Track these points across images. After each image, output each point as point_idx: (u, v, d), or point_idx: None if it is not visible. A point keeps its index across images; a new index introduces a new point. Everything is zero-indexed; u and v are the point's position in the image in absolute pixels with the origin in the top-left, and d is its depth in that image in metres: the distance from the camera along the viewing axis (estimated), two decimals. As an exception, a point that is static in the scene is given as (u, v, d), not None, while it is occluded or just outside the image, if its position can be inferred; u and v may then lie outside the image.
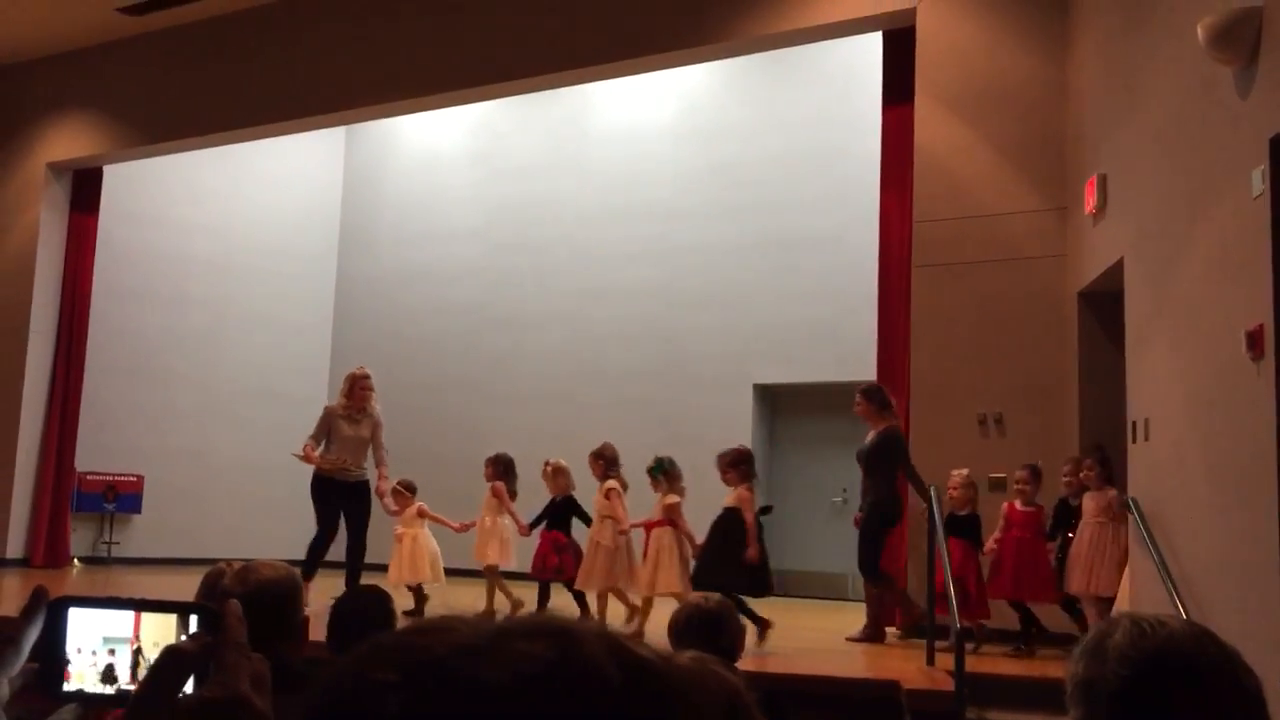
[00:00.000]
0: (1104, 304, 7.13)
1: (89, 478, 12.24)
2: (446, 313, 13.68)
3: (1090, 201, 6.98)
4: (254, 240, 13.99)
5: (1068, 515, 6.86)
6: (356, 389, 8.49)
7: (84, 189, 12.27)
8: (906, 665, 6.02)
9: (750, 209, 12.04)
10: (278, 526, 11.71)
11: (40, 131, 12.20)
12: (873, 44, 9.22)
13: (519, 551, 8.39)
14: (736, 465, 7.04)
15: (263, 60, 11.00)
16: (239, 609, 0.83)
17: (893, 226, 8.48)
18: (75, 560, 11.95)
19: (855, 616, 7.18)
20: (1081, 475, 6.75)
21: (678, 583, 6.89)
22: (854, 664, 6.19)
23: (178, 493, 12.74)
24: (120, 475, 12.44)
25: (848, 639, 7.17)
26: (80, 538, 12.26)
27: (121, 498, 12.44)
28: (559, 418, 12.66)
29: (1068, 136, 7.71)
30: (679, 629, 3.11)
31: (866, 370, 8.95)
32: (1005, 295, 7.71)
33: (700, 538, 7.09)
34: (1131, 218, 6.42)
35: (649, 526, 7.30)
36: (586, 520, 7.80)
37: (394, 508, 8.45)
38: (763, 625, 6.50)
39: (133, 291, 12.90)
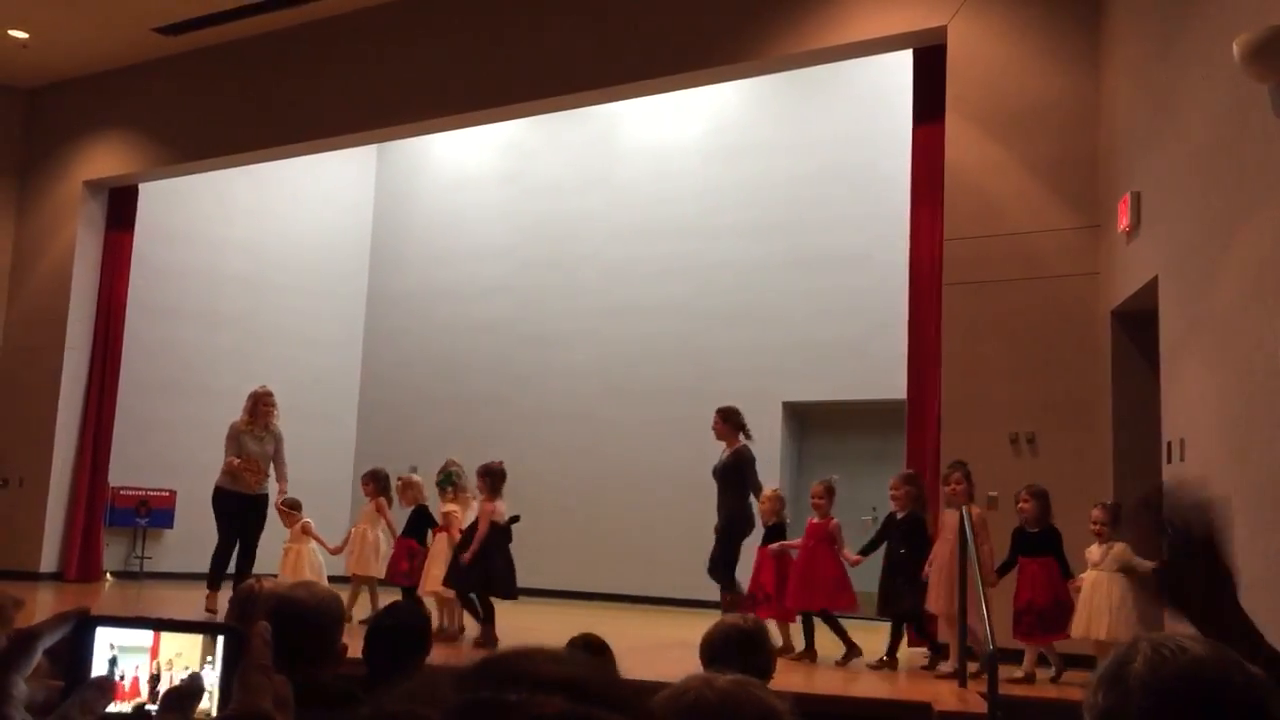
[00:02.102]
0: (1138, 323, 7.06)
1: (122, 493, 12.34)
2: (475, 330, 13.73)
3: (1123, 220, 6.93)
4: (286, 258, 14.11)
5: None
6: (260, 406, 9.09)
7: (120, 207, 12.41)
8: (939, 687, 5.96)
9: (779, 227, 12.04)
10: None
11: (77, 150, 12.36)
12: (901, 62, 9.21)
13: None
14: (482, 477, 7.84)
15: (295, 79, 11.11)
16: (267, 631, 0.83)
17: (923, 244, 8.45)
18: (108, 575, 12.04)
19: (886, 635, 7.13)
20: (948, 490, 6.83)
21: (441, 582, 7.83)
22: (886, 685, 6.14)
23: (210, 508, 12.79)
24: (153, 490, 12.54)
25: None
26: (113, 552, 12.36)
27: (154, 513, 12.53)
28: (586, 435, 12.68)
29: (1100, 154, 7.66)
30: (713, 648, 3.08)
31: (896, 388, 8.92)
32: (1037, 314, 7.65)
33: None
34: (1165, 236, 6.37)
35: (435, 532, 8.33)
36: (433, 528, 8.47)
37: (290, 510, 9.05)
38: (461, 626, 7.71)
39: (167, 308, 13.02)
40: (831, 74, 11.02)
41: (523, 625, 8.77)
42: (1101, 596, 6.20)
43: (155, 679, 0.87)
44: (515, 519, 7.93)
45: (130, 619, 0.88)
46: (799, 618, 7.34)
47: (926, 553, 6.94)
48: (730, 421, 8.16)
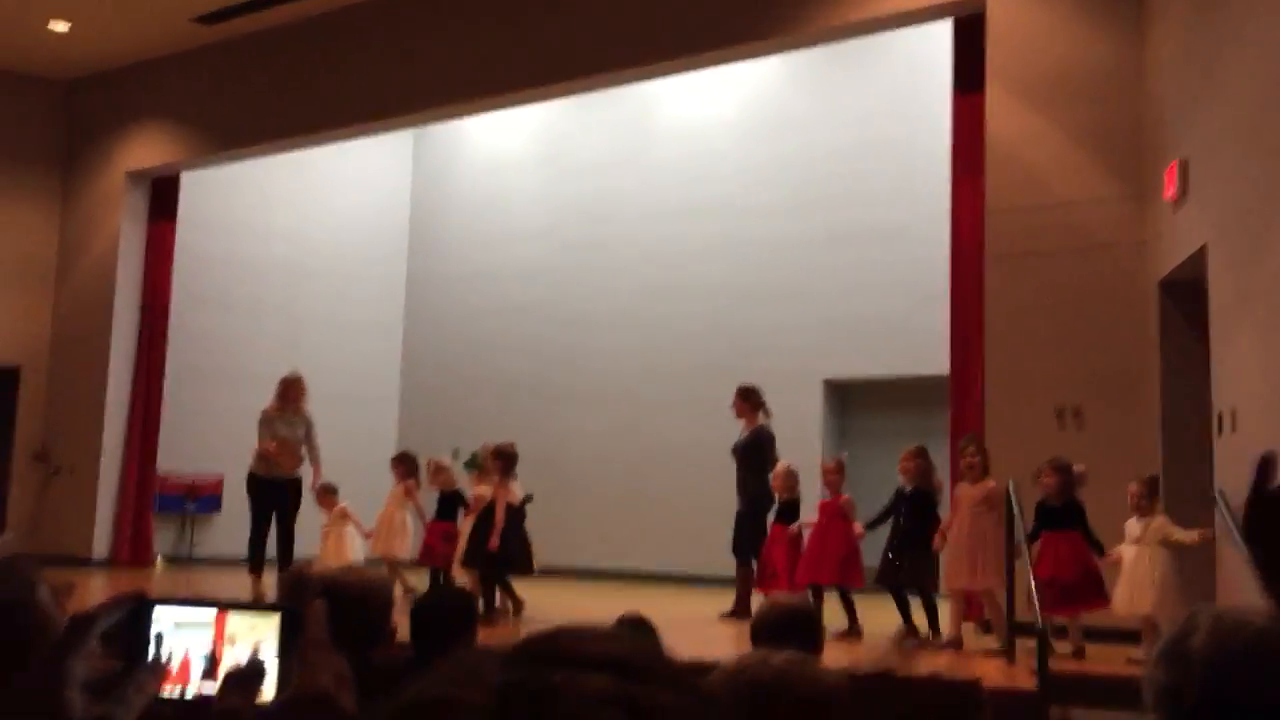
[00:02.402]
0: (1186, 293, 6.94)
1: (170, 479, 12.50)
2: (514, 312, 13.76)
3: (1170, 188, 6.81)
4: (326, 245, 14.22)
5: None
6: (289, 391, 9.12)
7: (162, 197, 12.53)
8: (987, 664, 5.92)
9: (817, 203, 11.94)
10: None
11: (119, 141, 12.48)
12: (939, 33, 9.09)
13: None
14: (496, 459, 7.94)
15: (332, 66, 11.14)
16: (323, 610, 0.83)
17: (964, 217, 8.35)
18: (159, 559, 12.22)
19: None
20: (963, 464, 6.77)
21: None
22: (934, 662, 6.10)
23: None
24: (201, 476, 12.69)
25: (720, 616, 7.83)
26: (162, 538, 12.54)
27: (202, 499, 12.70)
28: (626, 416, 12.68)
29: (1146, 121, 7.52)
30: (764, 627, 3.07)
31: (939, 364, 8.84)
32: (1083, 285, 7.54)
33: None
34: (1214, 204, 6.25)
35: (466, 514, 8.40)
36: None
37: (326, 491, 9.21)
38: (516, 604, 7.67)
39: (210, 297, 13.16)
40: (869, 46, 10.89)
41: (564, 604, 8.81)
42: (1144, 571, 6.09)
43: (214, 659, 0.87)
44: (529, 499, 8.02)
45: (187, 599, 0.88)
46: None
47: (934, 526, 6.90)
48: (749, 400, 8.31)
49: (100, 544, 11.91)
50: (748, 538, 8.06)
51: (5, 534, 11.74)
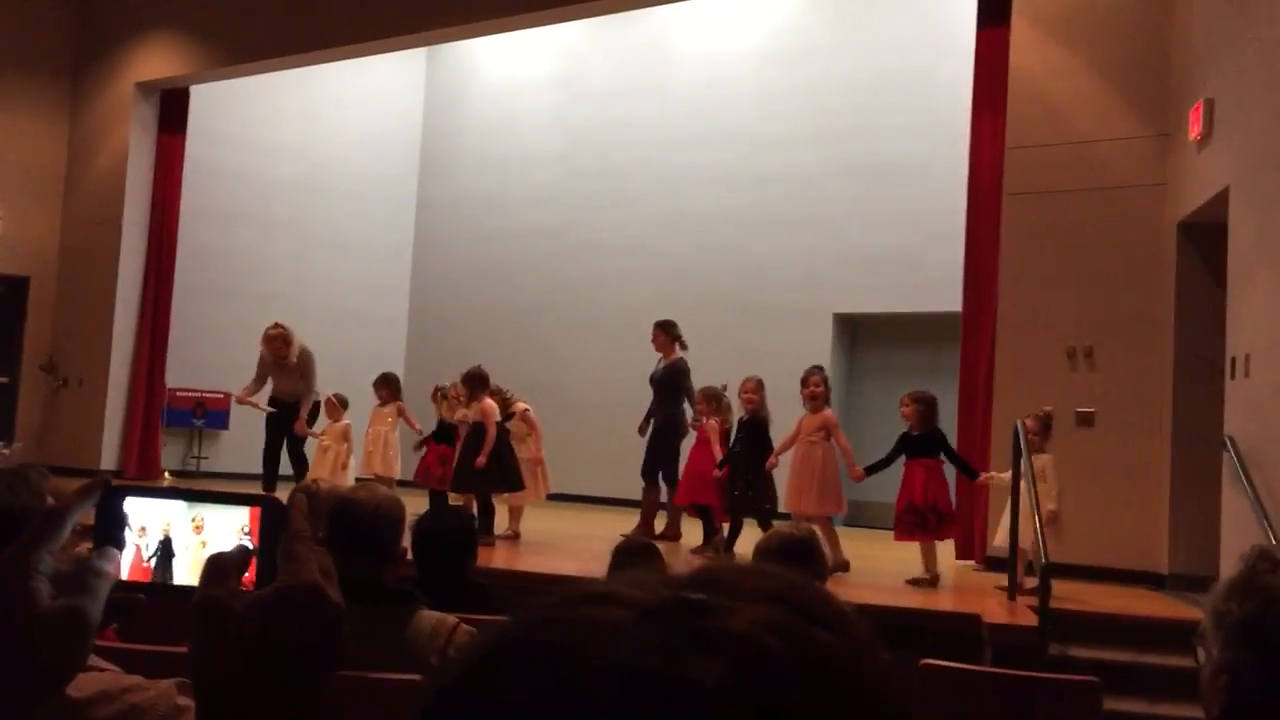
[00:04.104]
0: (1205, 235, 6.86)
1: (179, 394, 12.53)
2: (525, 237, 13.68)
3: (1195, 128, 6.69)
4: (337, 163, 14.11)
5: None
6: (270, 345, 9.73)
7: (171, 109, 12.40)
8: (987, 599, 5.95)
9: (834, 134, 11.79)
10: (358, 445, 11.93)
11: (128, 51, 12.32)
12: (968, -38, 8.88)
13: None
14: (465, 383, 8.11)
15: (345, -20, 10.93)
16: (304, 503, 0.81)
17: (983, 153, 8.24)
18: (166, 473, 12.31)
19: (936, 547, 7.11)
20: (806, 392, 7.08)
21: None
22: (935, 597, 6.14)
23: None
24: (209, 392, 12.73)
25: (622, 535, 7.79)
26: (170, 452, 12.62)
27: (210, 414, 12.74)
28: (635, 344, 12.62)
29: (1173, 60, 7.38)
30: (766, 556, 3.08)
31: (952, 300, 8.78)
32: (1100, 225, 7.45)
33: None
34: (1239, 145, 6.14)
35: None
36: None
37: (311, 430, 9.65)
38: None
39: (219, 212, 13.09)
40: (893, -25, 10.69)
41: (569, 530, 8.88)
42: (1025, 505, 6.23)
43: (184, 547, 0.85)
44: (509, 417, 8.20)
45: (158, 489, 0.87)
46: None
47: (768, 452, 7.28)
48: (669, 333, 8.67)
49: (108, 456, 11.98)
50: (656, 461, 8.46)
51: (13, 444, 11.83)
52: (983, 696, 3.17)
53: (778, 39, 12.34)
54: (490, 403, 7.98)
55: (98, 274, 12.15)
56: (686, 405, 8.49)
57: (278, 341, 9.71)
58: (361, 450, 9.31)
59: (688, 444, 8.29)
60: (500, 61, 14.20)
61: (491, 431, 7.80)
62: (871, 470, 6.72)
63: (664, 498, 8.56)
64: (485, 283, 13.94)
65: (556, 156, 13.61)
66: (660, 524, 8.52)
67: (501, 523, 7.97)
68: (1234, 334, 6.22)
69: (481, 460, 7.72)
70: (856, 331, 12.12)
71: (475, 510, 7.78)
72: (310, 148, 13.90)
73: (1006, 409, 7.30)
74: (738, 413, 7.76)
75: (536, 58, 13.91)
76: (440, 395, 8.72)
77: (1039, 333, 7.54)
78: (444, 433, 8.68)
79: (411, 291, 14.81)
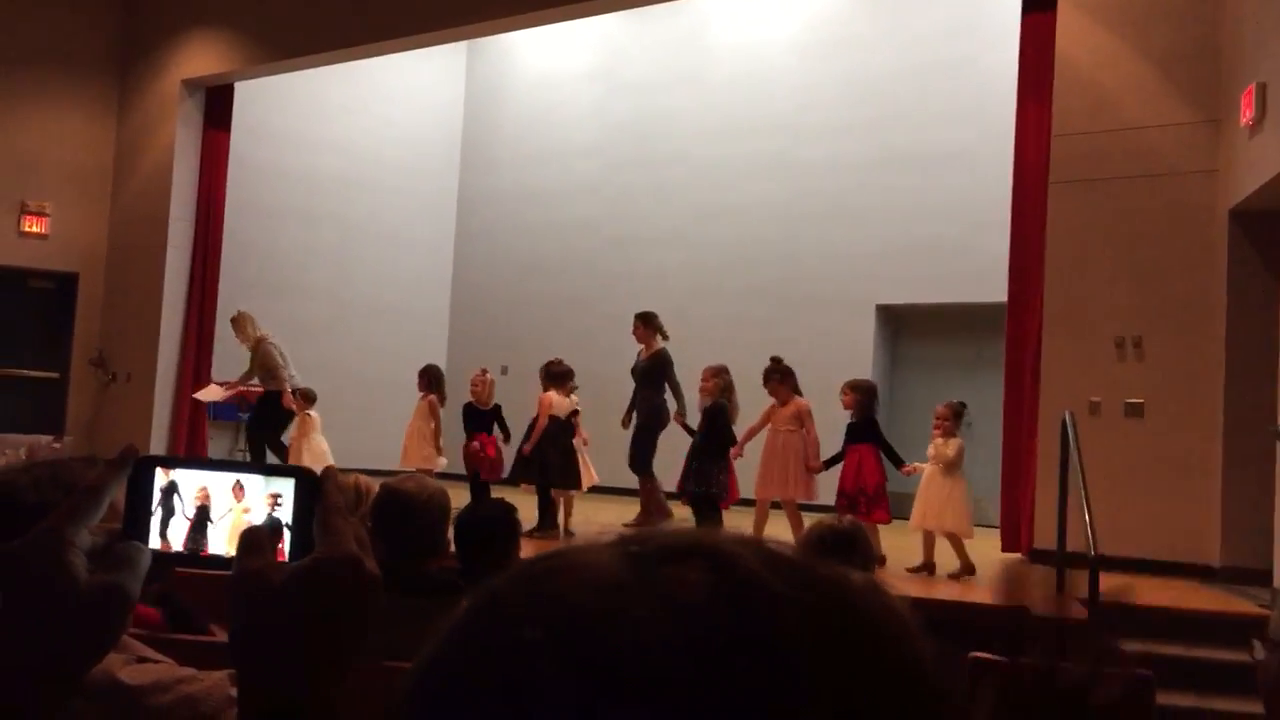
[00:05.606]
0: (1258, 222, 6.74)
1: (242, 389, 12.65)
2: (565, 229, 13.70)
3: (1247, 113, 6.57)
4: (379, 158, 14.20)
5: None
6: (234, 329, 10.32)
7: (216, 106, 12.52)
8: (1035, 591, 5.89)
9: (876, 123, 11.70)
10: (398, 440, 12.00)
11: (175, 48, 12.46)
12: (1012, -52, 8.77)
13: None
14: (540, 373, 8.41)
15: (386, -25, 10.98)
16: (337, 474, 0.81)
17: (1029, 141, 8.13)
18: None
19: (980, 539, 7.04)
20: (769, 387, 7.56)
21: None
22: (982, 589, 6.08)
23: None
24: (254, 386, 12.84)
25: (624, 525, 8.12)
26: (216, 445, 12.76)
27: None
28: (675, 337, 12.60)
29: (1224, 43, 7.24)
30: (810, 549, 3.06)
31: (997, 291, 8.68)
32: (1149, 213, 7.33)
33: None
34: (1293, 130, 6.02)
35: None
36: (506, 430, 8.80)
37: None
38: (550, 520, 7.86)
39: (263, 207, 13.21)
40: (935, -38, 10.58)
41: (609, 521, 8.90)
42: (935, 490, 6.61)
43: (203, 515, 0.85)
44: (575, 413, 8.27)
45: (193, 459, 0.87)
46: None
47: (728, 440, 7.68)
48: (650, 325, 8.81)
49: (156, 450, 12.13)
50: (644, 452, 8.58)
51: (64, 438, 12.01)
52: (1032, 690, 3.13)
53: (817, 29, 12.25)
54: (547, 395, 8.16)
55: (145, 270, 12.30)
56: (669, 396, 8.68)
57: (234, 328, 10.10)
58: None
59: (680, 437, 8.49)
60: (540, 54, 14.22)
61: (540, 422, 7.93)
62: (829, 464, 7.22)
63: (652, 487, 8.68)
64: (526, 275, 13.98)
65: (596, 149, 13.61)
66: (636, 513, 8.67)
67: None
68: (1288, 323, 6.10)
69: (526, 449, 7.92)
70: (899, 323, 12.03)
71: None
72: (353, 142, 14.00)
73: (1053, 401, 7.22)
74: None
75: (576, 50, 13.91)
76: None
77: (1086, 323, 7.43)
78: (483, 420, 8.76)
79: (453, 284, 14.89)
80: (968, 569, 6.44)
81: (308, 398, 9.76)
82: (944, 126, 11.24)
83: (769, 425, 7.61)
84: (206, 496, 0.84)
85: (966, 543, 6.56)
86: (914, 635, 0.46)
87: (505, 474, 8.55)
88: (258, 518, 0.82)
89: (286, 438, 10.09)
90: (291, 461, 9.12)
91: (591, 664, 0.40)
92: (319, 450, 9.51)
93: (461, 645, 0.45)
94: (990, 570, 6.89)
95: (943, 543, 6.65)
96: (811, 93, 12.16)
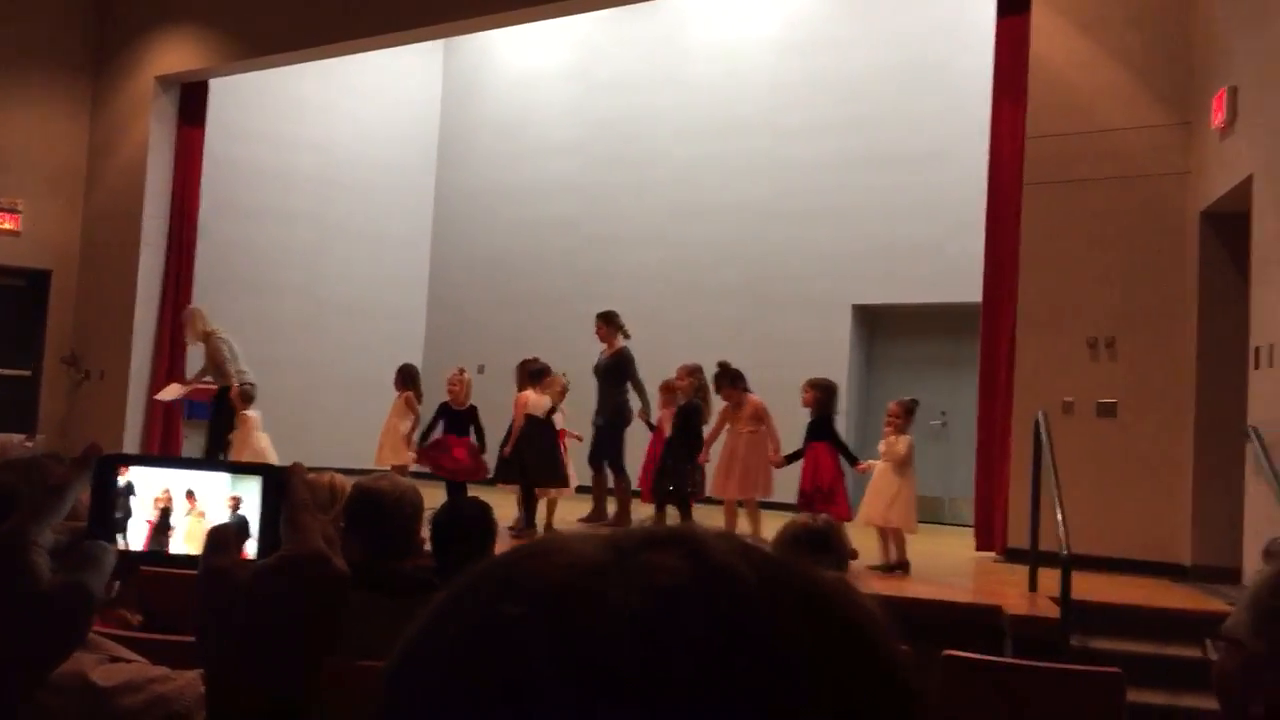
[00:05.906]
0: (1229, 224, 6.80)
1: (200, 386, 12.57)
2: (542, 228, 13.68)
3: (1218, 116, 6.63)
4: (355, 155, 14.13)
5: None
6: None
7: (191, 103, 12.43)
8: (1009, 590, 5.93)
9: (853, 124, 11.74)
10: (374, 439, 11.96)
11: (148, 45, 12.37)
12: (988, -50, 8.81)
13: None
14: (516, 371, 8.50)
15: (363, -28, 10.94)
16: (304, 471, 0.81)
17: (1004, 142, 8.19)
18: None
19: (955, 539, 7.08)
20: (722, 394, 7.71)
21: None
22: (955, 588, 6.12)
23: (283, 402, 13.03)
24: (207, 383, 12.75)
25: (579, 520, 8.51)
26: (192, 444, 12.66)
27: (230, 406, 12.77)
28: (653, 336, 12.61)
29: (1195, 47, 7.31)
30: (784, 547, 3.06)
31: (971, 291, 8.74)
32: (1122, 214, 7.40)
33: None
34: (1263, 133, 6.09)
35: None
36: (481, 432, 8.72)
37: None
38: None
39: (239, 204, 13.13)
40: (911, -36, 10.62)
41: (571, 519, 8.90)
42: (883, 485, 6.70)
43: (166, 516, 0.84)
44: (553, 410, 8.25)
45: (157, 457, 0.87)
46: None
47: (698, 439, 7.75)
48: (611, 324, 8.93)
49: (130, 449, 12.04)
50: (604, 449, 8.68)
51: (36, 436, 11.91)
52: (1005, 688, 3.15)
53: (796, 29, 12.29)
54: (523, 395, 8.18)
55: (119, 268, 12.21)
56: (632, 394, 8.78)
57: (183, 323, 10.13)
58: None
59: (644, 434, 8.71)
60: (517, 53, 14.19)
61: (517, 422, 7.99)
62: (790, 459, 7.30)
63: (609, 484, 8.78)
64: (503, 274, 13.95)
65: (574, 148, 13.60)
66: (612, 510, 8.75)
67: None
68: (1258, 323, 6.17)
69: (506, 450, 7.95)
70: (875, 323, 12.08)
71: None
72: (328, 140, 13.93)
73: (1027, 400, 7.28)
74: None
75: (554, 49, 13.89)
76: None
77: (1060, 323, 7.49)
78: (459, 422, 8.75)
79: (430, 282, 14.84)
80: (902, 564, 6.56)
81: (245, 397, 9.61)
82: (920, 127, 11.30)
83: (729, 426, 7.73)
84: (169, 497, 0.84)
85: (908, 538, 6.72)
86: (885, 633, 0.47)
87: (481, 476, 8.50)
88: (215, 520, 0.82)
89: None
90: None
91: (571, 641, 0.41)
92: (256, 449, 9.34)
93: (441, 623, 0.45)
94: (964, 569, 6.93)
95: (875, 534, 6.79)
96: (789, 93, 12.19)
